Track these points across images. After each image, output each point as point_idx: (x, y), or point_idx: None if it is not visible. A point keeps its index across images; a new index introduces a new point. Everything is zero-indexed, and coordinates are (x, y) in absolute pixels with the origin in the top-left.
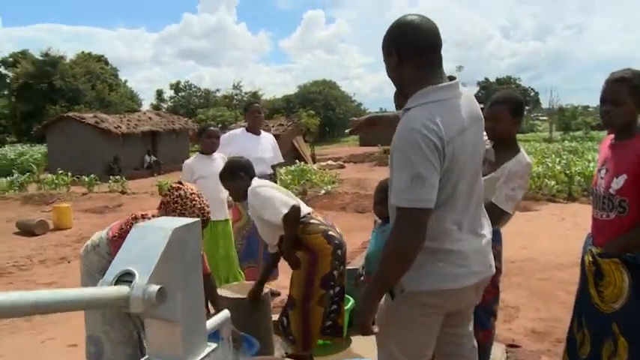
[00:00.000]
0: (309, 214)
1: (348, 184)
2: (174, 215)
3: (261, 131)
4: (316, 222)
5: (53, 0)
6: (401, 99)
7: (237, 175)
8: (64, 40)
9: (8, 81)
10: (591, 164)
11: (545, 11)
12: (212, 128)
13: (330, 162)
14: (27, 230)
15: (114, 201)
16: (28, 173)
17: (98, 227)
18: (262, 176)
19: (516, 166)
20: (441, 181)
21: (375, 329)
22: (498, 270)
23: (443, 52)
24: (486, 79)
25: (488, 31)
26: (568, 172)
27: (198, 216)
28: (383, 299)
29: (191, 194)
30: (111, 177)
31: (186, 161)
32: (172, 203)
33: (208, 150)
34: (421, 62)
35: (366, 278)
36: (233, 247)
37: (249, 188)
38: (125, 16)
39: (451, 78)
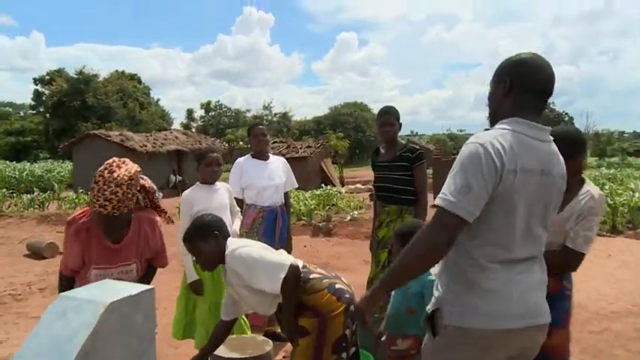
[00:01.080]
0: (305, 267)
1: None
2: (96, 203)
3: (270, 155)
4: (317, 276)
5: (94, 20)
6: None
7: (210, 235)
8: (101, 59)
9: (44, 98)
10: (636, 194)
11: (580, 35)
12: (212, 154)
13: (358, 185)
14: (36, 252)
15: None
16: (48, 192)
17: None
18: (274, 207)
19: (589, 202)
20: (486, 210)
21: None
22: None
23: (477, 75)
24: None
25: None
26: (612, 202)
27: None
28: (426, 338)
29: (114, 177)
30: None
31: (185, 192)
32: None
33: (208, 179)
34: (526, 101)
35: (389, 340)
36: None
37: (228, 252)
38: (162, 36)
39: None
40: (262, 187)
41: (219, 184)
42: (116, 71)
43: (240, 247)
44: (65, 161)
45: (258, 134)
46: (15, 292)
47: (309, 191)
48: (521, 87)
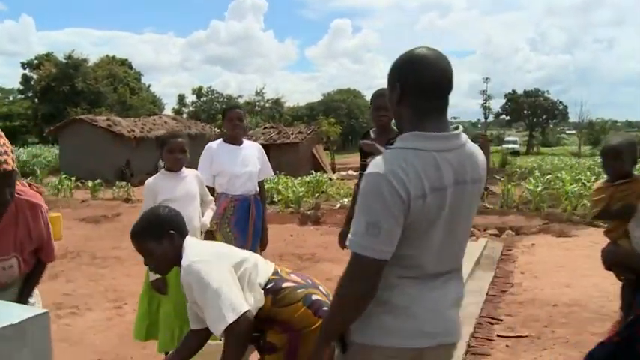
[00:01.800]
0: (277, 273)
1: None
2: None
3: (244, 140)
4: (291, 285)
5: (85, 5)
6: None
7: (164, 234)
8: (93, 44)
9: (33, 83)
10: None
11: (575, 25)
12: (175, 139)
13: (350, 172)
14: None
15: (113, 210)
16: (30, 177)
17: (89, 240)
18: (247, 196)
19: None
20: (402, 234)
21: None
22: None
23: (470, 63)
24: (514, 90)
25: (516, 44)
26: None
27: None
28: (336, 354)
29: None
30: (117, 183)
31: (148, 180)
32: None
33: (173, 167)
34: (422, 107)
35: None
36: None
37: (184, 263)
38: (154, 21)
39: (456, 128)
40: (234, 175)
41: (186, 172)
42: (107, 56)
43: (200, 260)
44: (53, 146)
45: (233, 118)
46: None
47: (299, 178)
48: (413, 90)
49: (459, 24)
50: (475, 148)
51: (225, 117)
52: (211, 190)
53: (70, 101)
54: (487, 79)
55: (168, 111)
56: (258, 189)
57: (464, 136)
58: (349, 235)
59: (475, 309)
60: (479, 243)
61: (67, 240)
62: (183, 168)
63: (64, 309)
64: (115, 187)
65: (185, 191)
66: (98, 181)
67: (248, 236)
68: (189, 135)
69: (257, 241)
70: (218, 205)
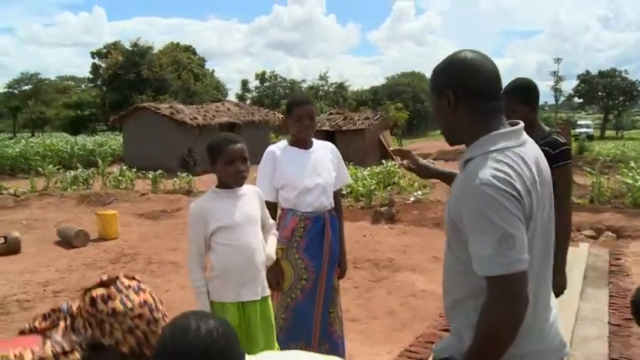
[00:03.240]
0: None
1: (440, 190)
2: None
3: (313, 141)
4: None
5: None
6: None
7: None
8: (160, 32)
9: (101, 72)
10: None
11: None
12: (234, 145)
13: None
14: (66, 240)
15: (173, 204)
16: (92, 168)
17: (146, 240)
18: (321, 213)
19: None
20: None
21: None
22: None
23: (538, 43)
24: (587, 71)
25: (586, 22)
26: None
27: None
28: None
29: (133, 309)
30: (179, 173)
31: (194, 204)
32: (94, 325)
33: (232, 182)
34: (482, 107)
35: None
36: (274, 334)
37: None
38: (218, 7)
39: (512, 124)
40: (305, 187)
41: (246, 188)
42: (171, 43)
43: None
44: (119, 134)
45: (303, 116)
46: (24, 298)
47: (368, 168)
48: (470, 94)
49: (525, 3)
50: (533, 142)
51: (292, 114)
52: (272, 207)
53: (136, 89)
54: (559, 59)
55: (231, 97)
56: (333, 202)
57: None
58: (478, 262)
59: (601, 347)
60: (580, 250)
61: (123, 239)
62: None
63: None
64: (175, 178)
65: (244, 215)
66: (159, 172)
67: (323, 264)
68: (252, 122)
69: (333, 269)
70: (284, 226)
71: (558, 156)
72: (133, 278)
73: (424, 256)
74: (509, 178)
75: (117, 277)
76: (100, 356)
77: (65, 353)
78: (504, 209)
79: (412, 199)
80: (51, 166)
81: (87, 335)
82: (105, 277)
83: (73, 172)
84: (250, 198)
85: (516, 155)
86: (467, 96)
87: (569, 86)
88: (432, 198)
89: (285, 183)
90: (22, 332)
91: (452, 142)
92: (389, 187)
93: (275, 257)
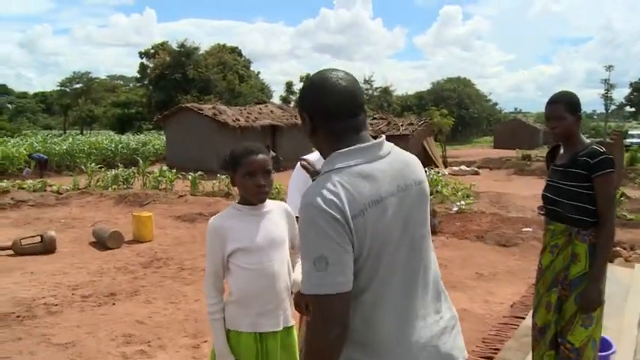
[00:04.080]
0: None
1: (485, 200)
2: None
3: None
4: None
5: None
6: None
7: None
8: (207, 33)
9: (148, 71)
10: None
11: None
12: (254, 155)
13: (463, 167)
14: (100, 241)
15: (210, 207)
16: (132, 168)
17: (180, 244)
18: None
19: None
20: (357, 263)
21: None
22: None
23: (588, 50)
24: None
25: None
26: None
27: None
28: None
29: None
30: (219, 174)
31: (212, 221)
32: None
33: (250, 196)
34: (336, 129)
35: None
36: None
37: None
38: (265, 10)
39: (375, 137)
40: None
41: (270, 204)
42: (217, 44)
43: None
44: (164, 134)
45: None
46: (52, 302)
47: None
48: (322, 117)
49: (576, 8)
50: (404, 153)
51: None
52: None
53: (181, 89)
54: (610, 67)
55: (276, 99)
56: None
57: (387, 144)
58: (303, 278)
59: None
60: (637, 271)
61: (158, 242)
62: (267, 200)
63: (133, 345)
64: (215, 180)
65: (269, 236)
66: (199, 173)
67: None
68: (294, 125)
69: None
70: None
71: (597, 165)
72: None
73: (466, 272)
74: (335, 200)
75: None
76: None
77: None
78: (321, 231)
79: (455, 209)
80: (93, 164)
81: None
82: None
83: (114, 171)
84: (277, 216)
85: (355, 174)
86: (319, 119)
87: (619, 95)
88: (476, 208)
89: None
90: None
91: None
92: (431, 196)
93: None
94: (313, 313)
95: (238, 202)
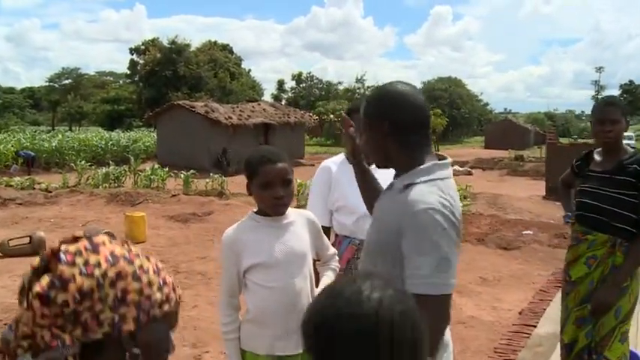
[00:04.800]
0: None
1: (481, 201)
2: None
3: None
4: None
5: None
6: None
7: None
8: (197, 30)
9: (138, 68)
10: None
11: None
12: (274, 164)
13: (456, 167)
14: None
15: (204, 207)
16: (124, 166)
17: (174, 245)
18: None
19: None
20: None
21: None
22: None
23: (577, 51)
24: (631, 81)
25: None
26: None
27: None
28: None
29: (104, 274)
30: (211, 173)
31: (227, 233)
32: (67, 326)
33: (267, 208)
34: (412, 141)
35: None
36: None
37: None
38: (256, 7)
39: (440, 157)
40: (365, 213)
41: (292, 214)
42: (208, 41)
43: None
44: (154, 130)
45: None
46: None
47: None
48: (406, 124)
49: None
50: None
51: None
52: (325, 233)
53: (172, 85)
54: (600, 68)
55: (267, 97)
56: None
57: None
58: (414, 281)
59: None
60: None
61: (151, 244)
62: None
63: None
64: (208, 179)
65: (289, 250)
66: (191, 171)
67: None
68: (287, 123)
69: None
70: (338, 256)
71: None
72: (75, 238)
73: (470, 276)
74: (449, 206)
75: (57, 250)
76: (103, 357)
77: None
78: (447, 235)
79: None
80: (83, 162)
81: (65, 344)
82: (36, 261)
83: (104, 169)
84: (299, 228)
85: (452, 186)
86: (402, 127)
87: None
88: (474, 210)
89: (341, 205)
90: None
91: (386, 163)
92: None
93: None
94: (433, 312)
95: (256, 212)
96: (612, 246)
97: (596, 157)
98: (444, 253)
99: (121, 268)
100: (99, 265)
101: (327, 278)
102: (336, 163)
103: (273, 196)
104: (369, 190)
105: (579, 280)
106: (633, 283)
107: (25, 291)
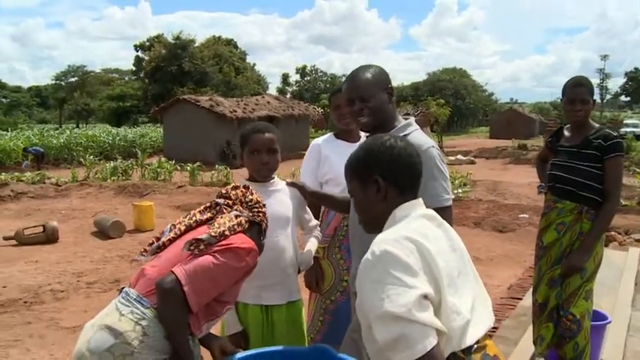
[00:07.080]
0: None
1: (481, 188)
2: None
3: (361, 135)
4: None
5: None
6: None
7: None
8: (202, 25)
9: (144, 64)
10: None
11: None
12: (261, 134)
13: (459, 156)
14: (102, 231)
15: (210, 197)
16: (131, 160)
17: None
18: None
19: None
20: None
21: None
22: None
23: (583, 40)
24: (636, 69)
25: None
26: None
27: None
28: None
29: (259, 201)
30: (217, 165)
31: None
32: (248, 208)
33: (257, 174)
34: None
35: None
36: (304, 340)
37: None
38: (260, 2)
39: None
40: None
41: (279, 183)
42: (213, 36)
43: None
44: (161, 126)
45: (340, 104)
46: (58, 289)
47: None
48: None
49: None
50: None
51: (332, 104)
52: (315, 204)
53: (177, 81)
54: (605, 56)
55: (272, 90)
56: None
57: None
58: (434, 198)
59: None
60: (630, 255)
61: (159, 231)
62: (275, 177)
63: None
64: (213, 171)
65: (275, 213)
66: (197, 164)
67: None
68: (292, 116)
69: None
70: (326, 224)
71: (610, 147)
72: (235, 187)
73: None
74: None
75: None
76: (253, 228)
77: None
78: (443, 164)
79: (452, 197)
80: (92, 157)
81: (247, 214)
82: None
83: (112, 163)
84: (284, 195)
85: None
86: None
87: (614, 84)
88: (473, 196)
89: (329, 177)
90: (188, 228)
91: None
92: None
93: (312, 262)
94: (448, 216)
95: (247, 179)
96: (579, 213)
97: (566, 133)
98: (446, 175)
99: (261, 199)
100: (252, 194)
101: (311, 244)
102: (325, 140)
103: (260, 162)
104: (338, 202)
105: (550, 245)
106: (598, 246)
107: (228, 190)
